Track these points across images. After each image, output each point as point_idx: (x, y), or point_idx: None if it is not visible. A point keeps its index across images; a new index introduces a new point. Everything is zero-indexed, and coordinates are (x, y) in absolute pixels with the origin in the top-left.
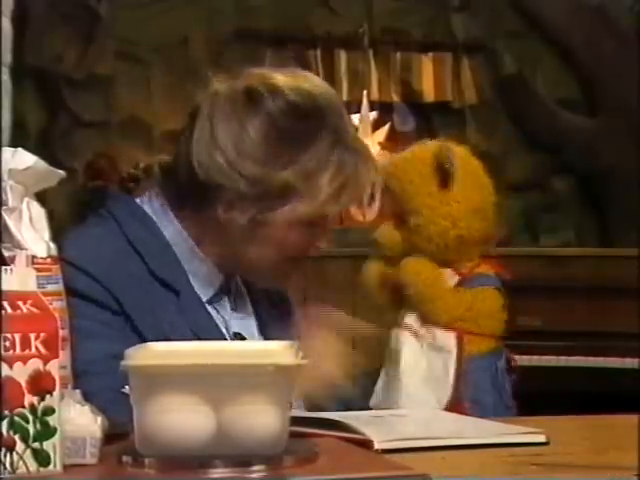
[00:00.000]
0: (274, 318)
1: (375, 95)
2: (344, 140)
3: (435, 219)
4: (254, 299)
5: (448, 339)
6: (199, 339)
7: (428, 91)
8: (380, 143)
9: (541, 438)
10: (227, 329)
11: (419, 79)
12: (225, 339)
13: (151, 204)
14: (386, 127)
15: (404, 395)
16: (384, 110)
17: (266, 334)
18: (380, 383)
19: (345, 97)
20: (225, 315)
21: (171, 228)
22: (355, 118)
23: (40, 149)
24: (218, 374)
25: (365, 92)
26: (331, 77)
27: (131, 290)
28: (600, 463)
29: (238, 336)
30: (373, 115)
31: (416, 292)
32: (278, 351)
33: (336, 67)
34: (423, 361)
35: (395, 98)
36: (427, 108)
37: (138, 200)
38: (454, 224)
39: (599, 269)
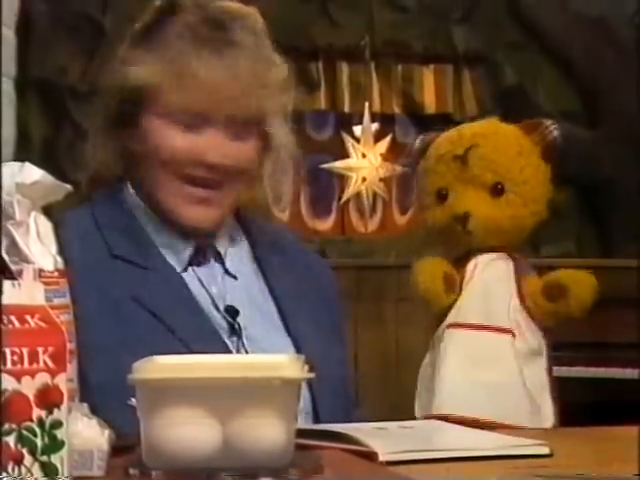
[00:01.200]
0: (292, 290)
1: (377, 107)
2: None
3: (542, 191)
4: (263, 264)
5: (539, 338)
6: (161, 314)
7: (429, 103)
8: (382, 154)
9: (544, 450)
10: (214, 302)
11: (420, 91)
12: (201, 311)
13: (123, 187)
14: (388, 138)
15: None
16: (386, 122)
17: (284, 309)
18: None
19: (347, 109)
20: (213, 286)
21: (134, 204)
22: (357, 130)
23: (44, 160)
24: (225, 387)
25: (367, 104)
26: (333, 89)
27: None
28: (604, 475)
29: (229, 310)
30: (375, 127)
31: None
32: (284, 364)
33: (338, 79)
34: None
35: (397, 110)
36: (428, 120)
37: (117, 187)
38: (546, 196)
39: (600, 280)
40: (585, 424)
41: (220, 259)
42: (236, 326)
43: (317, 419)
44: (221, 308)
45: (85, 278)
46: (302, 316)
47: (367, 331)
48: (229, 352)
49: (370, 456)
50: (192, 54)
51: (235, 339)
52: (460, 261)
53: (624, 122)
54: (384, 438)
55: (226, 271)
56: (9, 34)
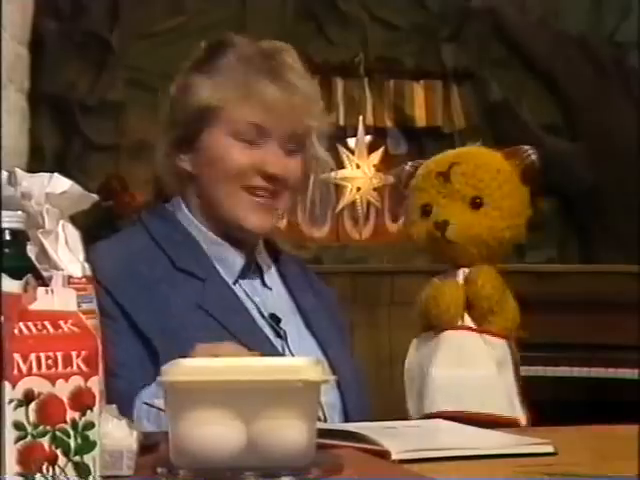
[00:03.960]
0: (313, 303)
1: (370, 120)
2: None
3: (519, 209)
4: (288, 281)
5: (504, 346)
6: (223, 321)
7: (420, 117)
8: (375, 165)
9: (549, 449)
10: (260, 310)
11: (411, 105)
12: (252, 319)
13: (175, 205)
14: (380, 150)
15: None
16: (378, 134)
17: (307, 317)
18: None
19: (342, 122)
20: (256, 296)
21: (188, 221)
22: (351, 142)
23: (55, 171)
24: (249, 389)
25: (361, 117)
26: (328, 103)
27: (139, 291)
28: (610, 472)
29: (273, 317)
30: (368, 139)
31: (491, 305)
32: (306, 367)
33: (333, 94)
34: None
35: (389, 123)
36: (419, 133)
37: (168, 205)
38: (523, 213)
39: (581, 284)
40: (586, 422)
41: (260, 273)
42: (281, 332)
43: (346, 414)
44: (266, 315)
45: (151, 289)
46: (323, 325)
47: (361, 334)
48: (278, 354)
49: (382, 455)
50: (253, 77)
51: (280, 342)
52: (451, 274)
53: (604, 135)
54: (395, 437)
55: (264, 284)
56: (23, 51)
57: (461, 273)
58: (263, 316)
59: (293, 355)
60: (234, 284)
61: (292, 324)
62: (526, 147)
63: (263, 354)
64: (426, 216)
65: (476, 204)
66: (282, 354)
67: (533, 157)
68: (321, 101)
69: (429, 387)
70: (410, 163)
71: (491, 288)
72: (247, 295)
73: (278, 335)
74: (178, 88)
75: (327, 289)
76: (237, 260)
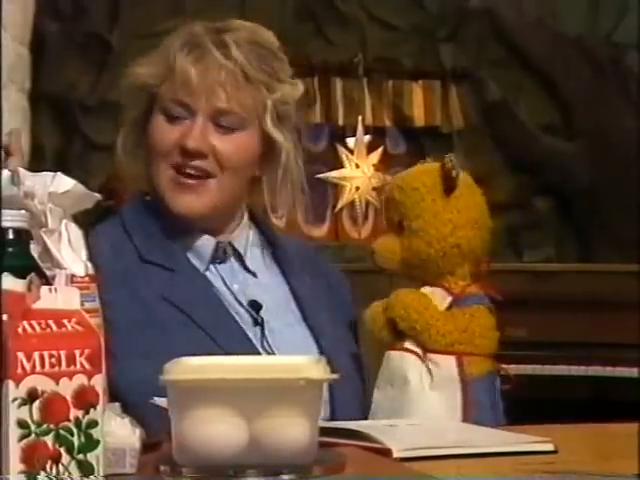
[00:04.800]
0: (311, 289)
1: (369, 120)
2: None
3: (436, 223)
4: (283, 266)
5: (449, 363)
6: (189, 312)
7: (418, 116)
8: (374, 165)
9: (549, 447)
10: (236, 297)
11: (410, 105)
12: (224, 308)
13: (152, 195)
14: (379, 150)
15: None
16: (377, 134)
17: (301, 304)
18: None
19: (341, 122)
20: (235, 283)
21: (159, 209)
22: (351, 141)
23: (56, 170)
24: (251, 388)
25: (360, 117)
26: (328, 103)
27: (108, 285)
28: (611, 470)
29: (253, 304)
30: (367, 139)
31: (409, 325)
32: (308, 366)
33: (332, 94)
34: (428, 380)
35: (388, 123)
36: (417, 132)
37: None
38: (453, 232)
39: (578, 283)
40: (584, 421)
41: (240, 258)
42: (259, 319)
43: (332, 408)
44: (244, 302)
45: (118, 283)
46: (321, 313)
47: (361, 332)
48: (251, 343)
49: (384, 453)
50: (179, 55)
51: (258, 331)
52: None
53: (601, 135)
54: (396, 435)
55: (246, 269)
56: (24, 51)
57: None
58: (241, 303)
59: (269, 343)
60: (206, 270)
61: (279, 312)
62: (448, 155)
63: (232, 344)
64: None
65: (400, 228)
66: (255, 343)
67: (449, 165)
68: (280, 82)
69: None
70: (388, 182)
71: (403, 310)
72: (224, 282)
73: (256, 323)
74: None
75: (335, 273)
76: (206, 245)
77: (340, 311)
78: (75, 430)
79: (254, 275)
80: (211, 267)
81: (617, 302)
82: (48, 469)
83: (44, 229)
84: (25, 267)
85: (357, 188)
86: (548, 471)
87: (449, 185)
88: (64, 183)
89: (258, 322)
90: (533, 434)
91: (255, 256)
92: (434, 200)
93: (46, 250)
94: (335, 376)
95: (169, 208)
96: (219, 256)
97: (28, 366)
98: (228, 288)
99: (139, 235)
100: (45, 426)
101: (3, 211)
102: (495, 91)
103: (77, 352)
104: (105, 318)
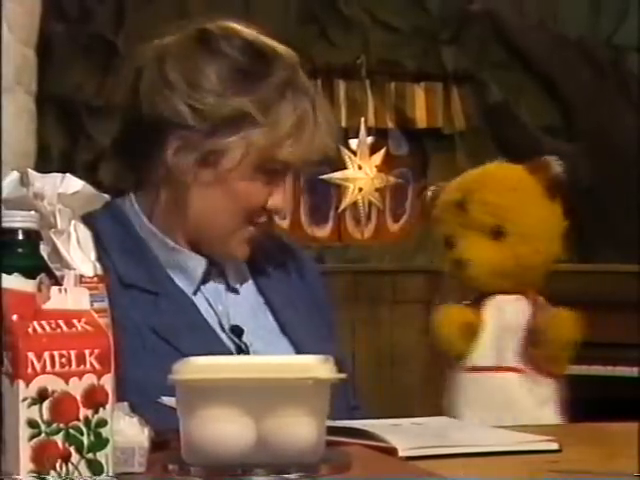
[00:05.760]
0: (287, 297)
1: (372, 122)
2: (297, 82)
3: (547, 227)
4: (257, 278)
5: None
6: (174, 342)
7: (420, 118)
8: (377, 166)
9: (554, 446)
10: (220, 321)
11: (412, 107)
12: (212, 334)
13: (127, 201)
14: (382, 151)
15: None
16: (380, 135)
17: (278, 316)
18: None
19: (344, 124)
20: (219, 304)
21: (140, 222)
22: (354, 143)
23: (62, 172)
24: (259, 387)
25: (362, 119)
26: (331, 105)
27: None
28: (616, 470)
29: (235, 330)
30: (370, 140)
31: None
32: (316, 365)
33: (335, 96)
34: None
35: (390, 124)
36: (420, 134)
37: (118, 200)
38: (556, 239)
39: (579, 282)
40: (585, 420)
41: (223, 275)
42: (242, 346)
43: None
44: (226, 328)
45: None
46: (299, 323)
47: (363, 332)
48: None
49: (390, 452)
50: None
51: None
52: (479, 302)
53: (602, 136)
54: (401, 434)
55: (228, 287)
56: (30, 53)
57: (492, 301)
58: (223, 328)
59: None
60: (195, 294)
61: (260, 332)
62: (549, 158)
63: None
64: (449, 248)
65: (497, 233)
66: None
67: (558, 168)
68: None
69: None
70: (432, 188)
71: (557, 332)
72: (209, 304)
73: (240, 350)
74: None
75: (313, 274)
76: (198, 265)
77: (318, 314)
78: (85, 429)
79: (236, 292)
80: (201, 288)
81: (617, 302)
82: (58, 468)
83: (53, 230)
84: (35, 267)
85: (360, 189)
86: (552, 470)
87: (555, 189)
88: (73, 184)
89: (242, 349)
90: (539, 434)
91: (236, 270)
92: (540, 204)
93: (55, 251)
94: (343, 375)
95: (223, 255)
96: (209, 275)
97: (38, 366)
98: (213, 310)
99: (117, 253)
100: (55, 425)
101: (13, 212)
102: (496, 93)
103: (87, 352)
104: None
